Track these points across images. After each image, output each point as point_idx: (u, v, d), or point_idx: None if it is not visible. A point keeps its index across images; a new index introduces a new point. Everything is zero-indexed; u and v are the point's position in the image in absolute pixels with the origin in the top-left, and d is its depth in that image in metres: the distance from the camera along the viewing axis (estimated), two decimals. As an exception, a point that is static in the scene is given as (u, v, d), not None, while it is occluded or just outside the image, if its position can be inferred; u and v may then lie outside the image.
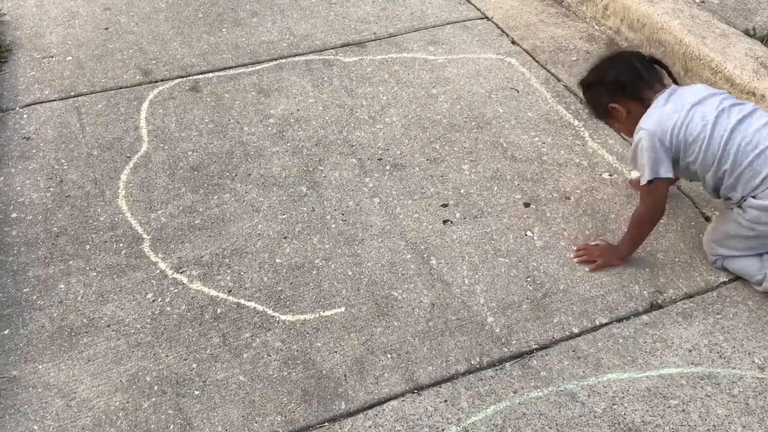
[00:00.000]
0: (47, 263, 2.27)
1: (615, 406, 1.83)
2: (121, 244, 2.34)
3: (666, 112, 2.02)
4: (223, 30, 3.46)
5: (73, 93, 3.03)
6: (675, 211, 2.40)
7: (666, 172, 2.02)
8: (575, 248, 2.25)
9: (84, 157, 2.70)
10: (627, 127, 2.15)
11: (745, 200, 2.00)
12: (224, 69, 3.18)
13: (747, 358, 1.94)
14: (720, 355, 1.95)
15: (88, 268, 2.26)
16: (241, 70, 3.18)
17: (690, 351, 1.96)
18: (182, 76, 3.13)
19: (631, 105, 2.11)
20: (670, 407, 1.83)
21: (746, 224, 2.02)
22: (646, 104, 2.08)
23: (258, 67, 3.19)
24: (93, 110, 2.93)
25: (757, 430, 1.77)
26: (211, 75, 3.14)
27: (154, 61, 3.23)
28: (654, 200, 2.09)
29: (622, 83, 2.11)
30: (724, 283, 2.16)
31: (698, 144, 1.98)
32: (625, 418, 1.80)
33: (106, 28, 3.47)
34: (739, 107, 2.01)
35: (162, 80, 3.11)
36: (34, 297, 2.17)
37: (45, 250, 2.32)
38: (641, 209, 2.13)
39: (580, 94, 2.93)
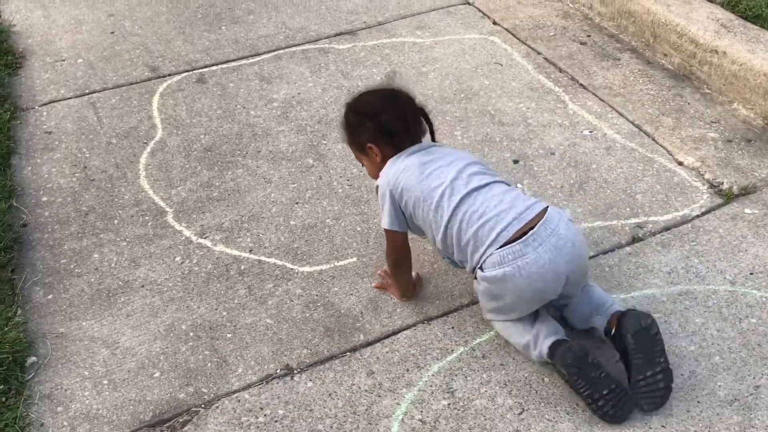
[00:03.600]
0: (80, 237, 2.48)
1: (604, 322, 2.05)
2: (146, 217, 2.55)
3: (404, 168, 1.95)
4: (222, 28, 3.68)
5: (87, 91, 3.24)
6: (650, 159, 2.64)
7: (398, 227, 1.99)
8: (378, 273, 2.24)
9: (104, 145, 2.91)
10: (374, 169, 2.06)
11: (474, 272, 1.90)
12: (227, 62, 3.40)
13: (719, 276, 2.17)
14: (696, 275, 2.18)
15: (118, 239, 2.47)
16: (243, 61, 3.40)
17: (669, 273, 2.19)
18: (188, 70, 3.35)
19: (387, 151, 2.01)
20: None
21: (485, 295, 1.92)
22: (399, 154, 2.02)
23: (258, 58, 3.41)
24: (108, 105, 3.15)
25: (730, 332, 2.00)
26: (215, 68, 3.36)
27: (160, 59, 3.45)
28: (393, 246, 2.05)
29: (390, 131, 2.00)
30: (698, 216, 2.39)
31: (427, 205, 1.90)
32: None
33: (112, 32, 3.68)
34: (480, 177, 1.92)
35: (169, 75, 3.33)
36: (72, 266, 2.37)
37: (77, 226, 2.53)
38: (387, 249, 2.09)
39: (560, 64, 3.19)
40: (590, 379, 1.75)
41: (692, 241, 2.30)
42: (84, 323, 2.17)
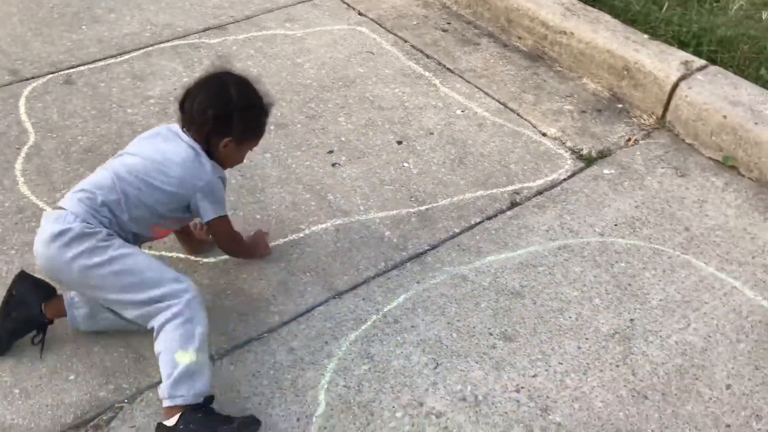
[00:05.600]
0: (-39, 250, 2.35)
1: (498, 279, 2.26)
2: (33, 223, 2.45)
3: None
4: (83, 27, 3.56)
5: (-62, 99, 3.03)
6: (518, 132, 2.90)
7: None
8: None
9: (-30, 153, 2.75)
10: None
11: None
12: (93, 62, 3.30)
13: (590, 229, 2.45)
14: (570, 230, 2.44)
15: (6, 248, 2.36)
16: (111, 60, 3.32)
17: (547, 231, 2.44)
18: (52, 72, 3.22)
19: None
20: (539, 273, 2.29)
21: None
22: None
23: (126, 56, 3.34)
24: (-33, 111, 2.97)
25: (605, 277, 2.27)
26: (82, 68, 3.25)
27: (19, 61, 3.28)
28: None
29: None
30: (565, 179, 2.67)
31: None
32: (506, 286, 2.24)
33: (-41, 35, 3.46)
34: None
35: (33, 78, 3.18)
36: (-43, 280, 2.25)
37: (-45, 239, 2.39)
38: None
39: (426, 51, 3.40)
40: None
41: (563, 202, 2.57)
42: (-17, 337, 2.08)
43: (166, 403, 1.77)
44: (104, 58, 3.33)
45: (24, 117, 2.95)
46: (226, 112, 1.96)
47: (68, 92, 3.10)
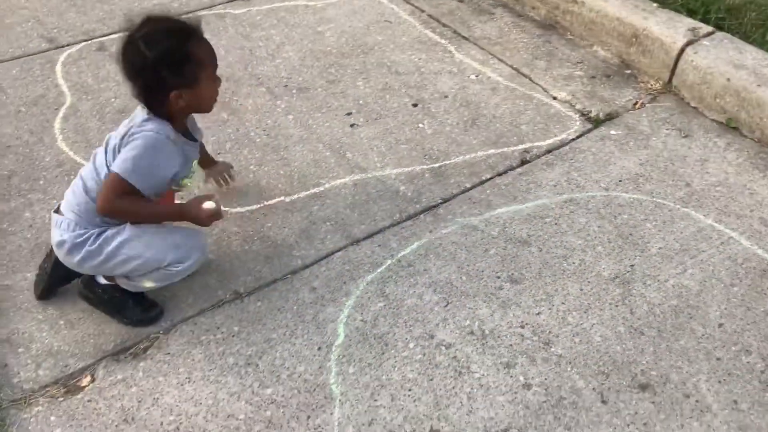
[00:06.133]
0: (7, 200, 2.54)
1: (506, 229, 2.41)
2: (72, 176, 2.62)
3: None
4: (114, -2, 3.73)
5: (-23, 63, 3.22)
6: (529, 95, 3.03)
7: None
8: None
9: (13, 114, 2.93)
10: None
11: None
12: (124, 30, 3.46)
13: (595, 185, 2.58)
14: (576, 185, 2.58)
15: (47, 198, 2.55)
16: (141, 29, 3.47)
17: (555, 186, 2.58)
18: (86, 40, 3.40)
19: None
20: (545, 223, 2.43)
21: None
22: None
23: (156, 25, 3.50)
24: (8, 76, 3.15)
25: (608, 227, 2.40)
26: (113, 36, 3.42)
27: (55, 30, 3.46)
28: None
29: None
30: (573, 139, 2.80)
31: None
32: (514, 235, 2.38)
33: (-2, 6, 3.64)
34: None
35: (68, 45, 3.36)
36: (4, 226, 2.44)
37: (1, 189, 2.58)
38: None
39: (443, 20, 3.52)
40: None
41: (571, 160, 2.70)
42: (28, 274, 2.26)
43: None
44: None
45: (61, 81, 3.13)
46: (151, 74, 1.87)
47: (101, 58, 3.27)
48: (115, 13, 3.59)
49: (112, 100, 3.01)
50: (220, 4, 3.67)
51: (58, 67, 3.22)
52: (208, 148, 2.75)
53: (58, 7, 3.63)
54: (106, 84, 3.10)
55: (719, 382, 1.95)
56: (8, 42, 3.37)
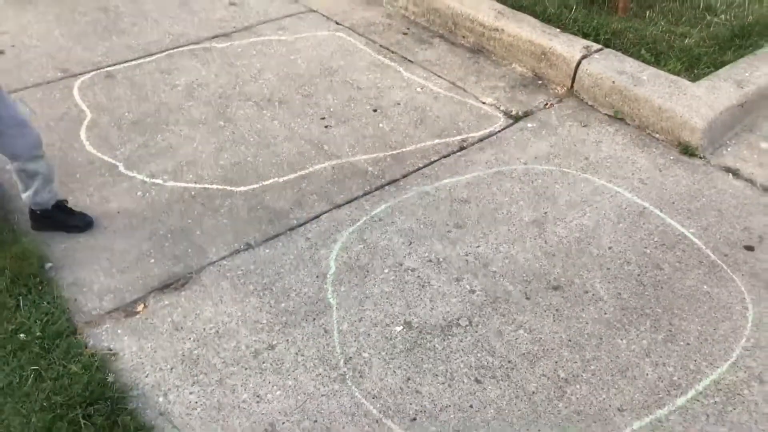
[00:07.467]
0: (52, 189, 3.15)
1: (451, 193, 3.16)
2: (102, 170, 3.28)
3: None
4: (113, 37, 4.41)
5: (8, 90, 3.84)
6: (464, 101, 3.83)
7: None
8: None
9: (43, 127, 3.56)
10: None
11: None
12: (127, 62, 4.15)
13: (517, 161, 3.37)
14: (503, 162, 3.36)
15: (85, 186, 3.18)
16: (141, 60, 4.17)
17: (486, 163, 3.35)
18: (95, 70, 4.06)
19: None
20: (480, 188, 3.19)
21: None
22: None
23: (153, 57, 4.20)
24: (33, 99, 3.78)
25: (527, 188, 3.18)
26: (118, 66, 4.10)
27: (67, 63, 4.12)
28: None
29: None
30: (499, 131, 3.60)
31: None
32: (457, 197, 3.13)
33: (12, 46, 4.27)
34: None
35: (81, 74, 4.02)
36: (54, 207, 3.05)
37: (46, 182, 3.19)
38: None
39: (392, 48, 4.32)
40: None
41: (498, 145, 3.49)
42: (81, 239, 2.89)
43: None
44: (135, 59, 4.18)
45: (79, 101, 3.78)
46: None
47: (111, 83, 3.94)
48: (117, 49, 4.27)
49: (126, 114, 3.67)
50: (205, 40, 4.39)
51: (75, 91, 3.87)
52: (212, 147, 3.44)
53: (65, 46, 4.29)
54: (119, 102, 3.77)
55: (609, 282, 2.71)
56: (28, 73, 4.00)
